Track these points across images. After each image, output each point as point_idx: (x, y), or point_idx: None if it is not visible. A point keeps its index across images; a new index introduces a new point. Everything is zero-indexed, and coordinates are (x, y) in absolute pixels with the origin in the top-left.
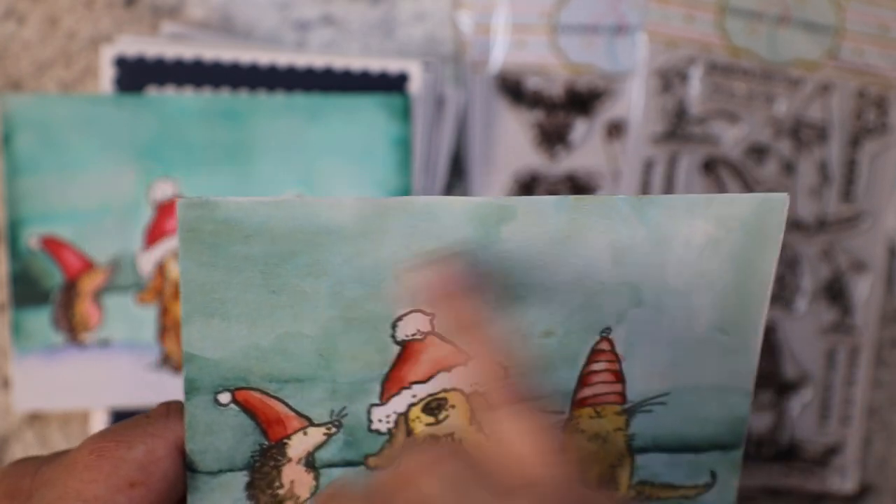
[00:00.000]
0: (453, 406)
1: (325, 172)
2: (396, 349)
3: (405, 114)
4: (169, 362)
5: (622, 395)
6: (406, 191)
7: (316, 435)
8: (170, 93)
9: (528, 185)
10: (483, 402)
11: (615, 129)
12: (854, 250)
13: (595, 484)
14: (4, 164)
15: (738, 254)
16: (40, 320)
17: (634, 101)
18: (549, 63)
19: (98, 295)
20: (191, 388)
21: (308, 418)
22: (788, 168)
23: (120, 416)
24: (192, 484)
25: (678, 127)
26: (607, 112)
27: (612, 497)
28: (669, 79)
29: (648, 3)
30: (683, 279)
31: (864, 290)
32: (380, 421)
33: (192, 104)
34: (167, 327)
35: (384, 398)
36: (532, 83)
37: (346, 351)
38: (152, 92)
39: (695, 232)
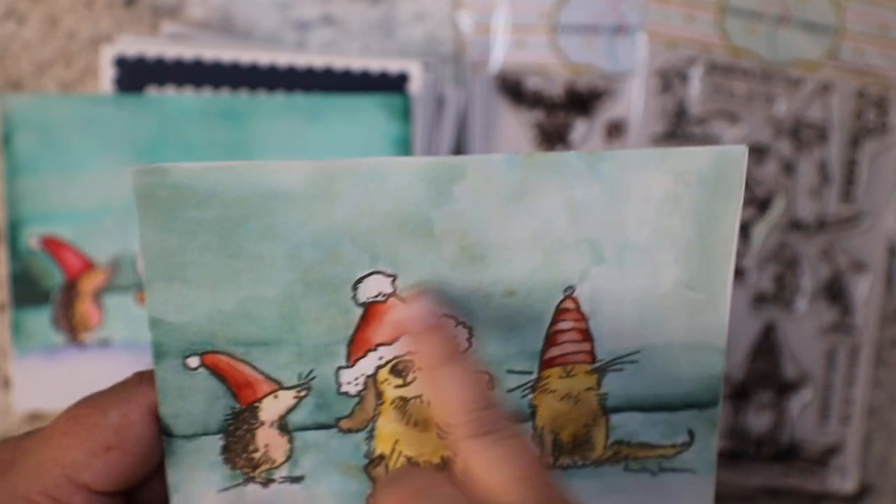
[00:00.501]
0: (420, 368)
1: None
2: (359, 311)
3: (405, 114)
4: None
5: (591, 353)
6: None
7: (286, 398)
8: (170, 93)
9: None
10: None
11: (615, 129)
12: (854, 250)
13: (570, 444)
14: (4, 164)
15: (698, 208)
16: (40, 320)
17: (634, 101)
18: (549, 63)
19: (98, 295)
20: (159, 353)
21: (277, 381)
22: (788, 168)
23: None
24: (169, 448)
25: (678, 127)
26: (607, 112)
27: None
28: (669, 79)
29: (648, 3)
30: (644, 235)
31: (864, 290)
32: (348, 383)
33: (192, 104)
34: None
35: (351, 361)
36: (532, 83)
37: (309, 314)
38: (152, 92)
39: (652, 186)
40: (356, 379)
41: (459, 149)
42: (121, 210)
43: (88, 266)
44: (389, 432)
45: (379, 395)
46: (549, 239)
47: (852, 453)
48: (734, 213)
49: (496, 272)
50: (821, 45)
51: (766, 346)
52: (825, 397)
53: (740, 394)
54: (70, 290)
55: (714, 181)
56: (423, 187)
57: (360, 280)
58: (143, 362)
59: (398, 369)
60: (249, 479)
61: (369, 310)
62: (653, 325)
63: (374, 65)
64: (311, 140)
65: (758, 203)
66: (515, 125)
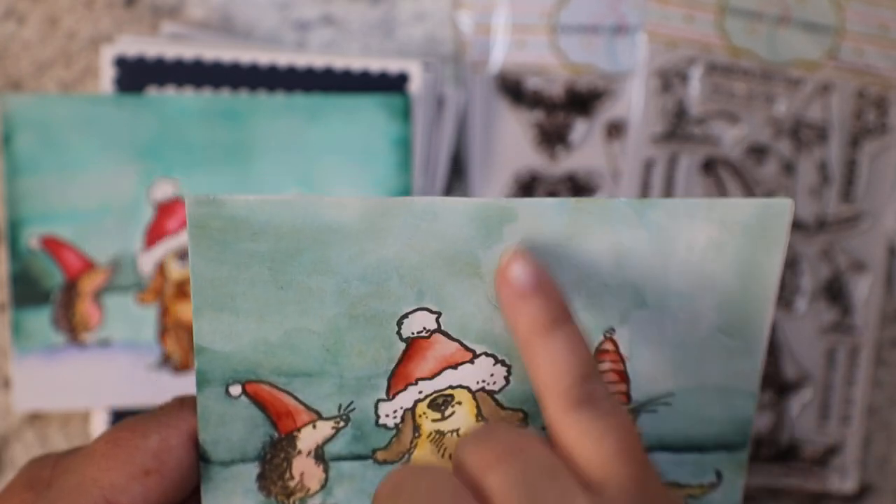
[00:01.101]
0: (459, 403)
1: (325, 172)
2: (402, 346)
3: (405, 114)
4: (169, 362)
5: (627, 394)
6: (406, 191)
7: (324, 428)
8: (170, 93)
9: (528, 186)
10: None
11: (615, 130)
12: (854, 250)
13: None
14: (4, 164)
15: (741, 257)
16: (40, 320)
17: (634, 102)
18: (549, 63)
19: (98, 295)
20: (202, 380)
21: (317, 412)
22: (788, 168)
23: (120, 416)
24: (206, 474)
25: (678, 127)
26: (607, 112)
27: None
28: (669, 79)
29: (648, 3)
30: (686, 282)
31: (864, 290)
32: (387, 416)
33: (192, 104)
34: (167, 327)
35: (391, 394)
36: (532, 83)
37: (353, 347)
38: (152, 92)
39: (697, 235)
40: (395, 412)
41: (460, 149)
42: (121, 210)
43: (88, 266)
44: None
45: (416, 428)
46: (594, 282)
47: (852, 453)
48: (776, 263)
49: None
50: (821, 45)
51: (766, 347)
52: (825, 397)
53: None
54: (70, 290)
55: (758, 232)
56: (473, 227)
57: (405, 315)
58: (144, 362)
59: (437, 403)
60: None
61: (412, 345)
62: (688, 369)
63: (374, 65)
64: (311, 140)
65: None
66: (515, 125)
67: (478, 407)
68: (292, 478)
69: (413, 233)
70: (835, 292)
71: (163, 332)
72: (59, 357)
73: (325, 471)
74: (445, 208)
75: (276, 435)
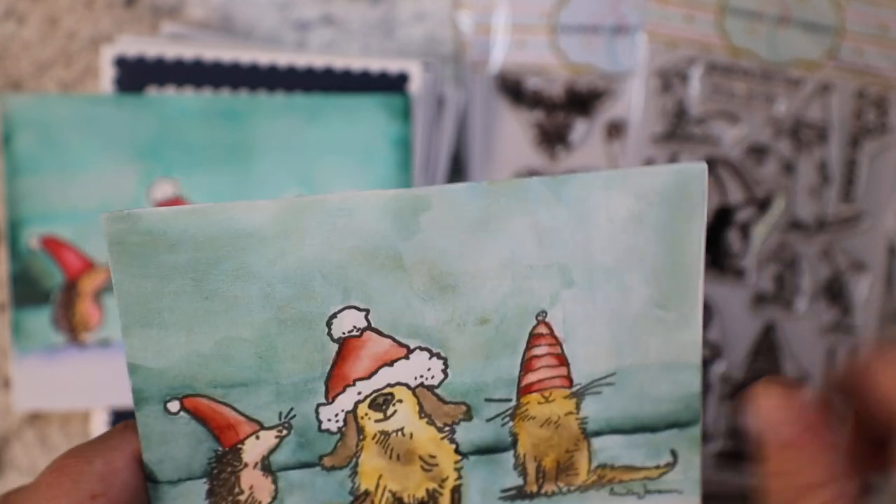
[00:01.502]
0: (400, 401)
1: (325, 172)
2: (335, 347)
3: (405, 114)
4: None
5: (568, 377)
6: None
7: (268, 438)
8: (170, 93)
9: None
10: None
11: (615, 130)
12: (854, 250)
13: (554, 471)
14: (4, 164)
15: (662, 227)
16: (40, 320)
17: (634, 102)
18: (549, 63)
19: (98, 295)
20: (139, 399)
21: (258, 422)
22: (788, 168)
23: (120, 416)
24: (154, 494)
25: (678, 127)
26: (607, 112)
27: None
28: (669, 79)
29: (648, 3)
30: (612, 256)
31: (864, 290)
32: (329, 420)
33: (192, 104)
34: None
35: (330, 397)
36: (532, 83)
37: (285, 352)
38: (152, 92)
39: (616, 207)
40: (336, 416)
41: (460, 149)
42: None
43: (88, 266)
44: (373, 468)
45: (360, 430)
46: (518, 265)
47: None
48: (699, 230)
49: (468, 301)
50: (821, 45)
51: (766, 346)
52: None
53: (740, 394)
54: (70, 290)
55: (676, 199)
56: (388, 220)
57: (333, 315)
58: None
59: (377, 403)
60: None
61: (344, 345)
62: (627, 346)
63: (374, 65)
64: (311, 140)
65: (758, 203)
66: (515, 125)
67: (419, 403)
68: (242, 492)
69: (330, 231)
70: (835, 292)
71: None
72: (59, 357)
73: (275, 482)
74: (359, 203)
75: (221, 449)
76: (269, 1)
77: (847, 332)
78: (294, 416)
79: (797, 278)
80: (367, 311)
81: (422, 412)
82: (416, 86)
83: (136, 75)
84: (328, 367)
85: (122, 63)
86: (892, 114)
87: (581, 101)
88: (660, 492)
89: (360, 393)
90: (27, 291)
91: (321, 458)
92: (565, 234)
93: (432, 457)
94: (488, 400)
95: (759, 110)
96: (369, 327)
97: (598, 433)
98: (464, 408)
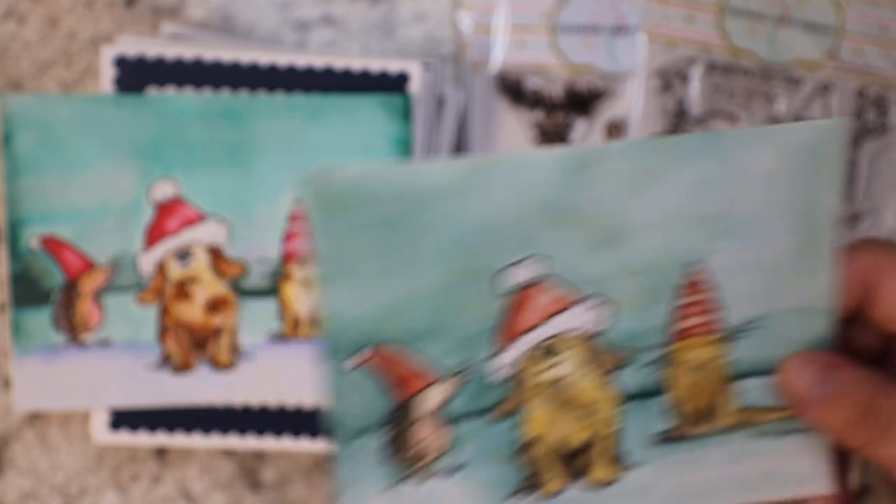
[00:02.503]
0: (567, 349)
1: None
2: (509, 298)
3: (405, 114)
4: (169, 362)
5: (718, 323)
6: None
7: (444, 389)
8: (170, 93)
9: None
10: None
11: (615, 129)
12: None
13: (701, 414)
14: (4, 164)
15: (805, 179)
16: (40, 320)
17: (634, 101)
18: (549, 63)
19: (98, 295)
20: (327, 352)
21: (435, 373)
22: None
23: (120, 416)
24: (335, 448)
25: (678, 127)
26: (607, 112)
27: None
28: (669, 79)
29: (648, 3)
30: (759, 208)
31: None
32: (499, 370)
33: (192, 104)
34: (167, 327)
35: (501, 347)
36: (532, 83)
37: (462, 304)
38: (152, 92)
39: (762, 161)
40: (506, 365)
41: (459, 149)
42: (121, 210)
43: (88, 266)
44: (538, 416)
45: (528, 379)
46: (674, 217)
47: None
48: (837, 182)
49: (629, 252)
50: (821, 45)
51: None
52: None
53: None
54: (70, 290)
55: (818, 153)
56: (559, 176)
57: (510, 266)
58: (144, 362)
59: (546, 352)
60: (412, 473)
61: (518, 296)
62: (771, 293)
63: (374, 65)
64: (311, 140)
65: None
66: (515, 125)
67: (584, 351)
68: (417, 443)
69: (507, 187)
70: None
71: (163, 332)
72: (59, 357)
73: (447, 432)
74: (535, 160)
75: (398, 401)
76: (269, 1)
77: None
78: (469, 366)
79: None
80: (543, 262)
81: (586, 360)
82: (416, 86)
83: (136, 75)
84: (501, 318)
85: (122, 63)
86: (892, 114)
87: (581, 101)
88: (794, 432)
89: (529, 342)
90: (27, 291)
91: (490, 407)
92: (717, 187)
93: (594, 403)
94: (644, 347)
95: (759, 110)
96: (544, 277)
97: (742, 376)
98: (625, 354)
